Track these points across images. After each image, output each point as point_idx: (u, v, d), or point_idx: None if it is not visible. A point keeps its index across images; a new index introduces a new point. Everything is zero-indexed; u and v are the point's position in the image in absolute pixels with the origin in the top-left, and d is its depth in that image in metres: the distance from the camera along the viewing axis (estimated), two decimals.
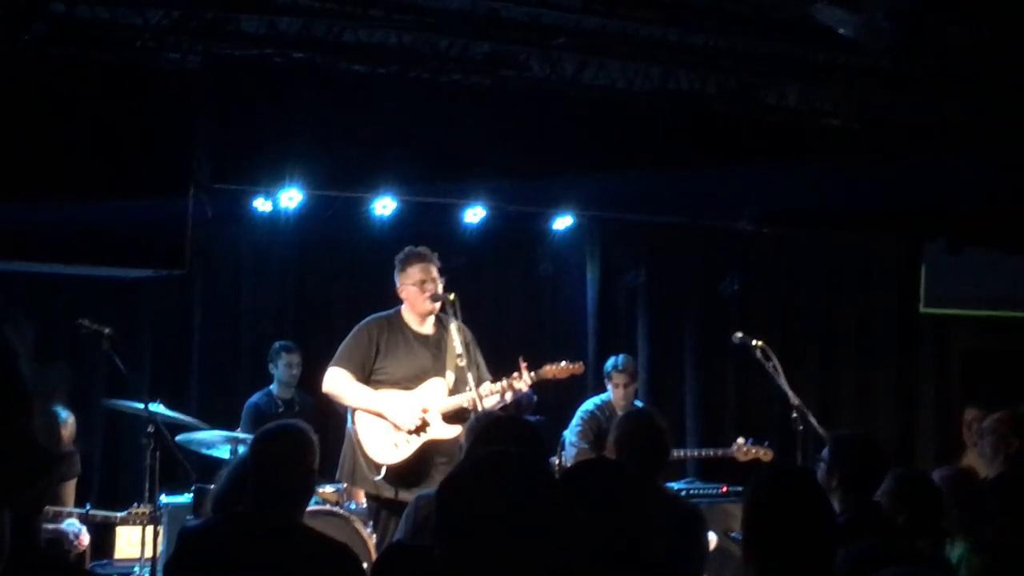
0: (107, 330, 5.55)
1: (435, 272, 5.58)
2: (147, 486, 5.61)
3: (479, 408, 5.19)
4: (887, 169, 7.29)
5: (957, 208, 7.70)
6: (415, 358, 5.55)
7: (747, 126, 7.29)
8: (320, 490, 6.19)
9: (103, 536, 6.33)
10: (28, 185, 5.69)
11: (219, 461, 5.99)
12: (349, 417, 5.58)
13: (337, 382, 5.52)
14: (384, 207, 7.07)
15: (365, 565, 4.01)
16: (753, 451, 6.89)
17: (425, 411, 5.44)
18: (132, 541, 6.18)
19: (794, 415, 5.95)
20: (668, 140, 7.13)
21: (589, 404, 7.04)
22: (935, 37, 6.47)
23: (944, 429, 8.87)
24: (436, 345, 5.60)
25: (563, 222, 7.83)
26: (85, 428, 6.30)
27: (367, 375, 5.51)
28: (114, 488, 7.09)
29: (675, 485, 6.82)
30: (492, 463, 2.34)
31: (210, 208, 6.56)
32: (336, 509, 6.05)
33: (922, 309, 8.95)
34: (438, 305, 5.58)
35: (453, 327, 5.45)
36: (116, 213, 5.79)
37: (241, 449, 5.81)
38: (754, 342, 6.12)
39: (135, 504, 5.69)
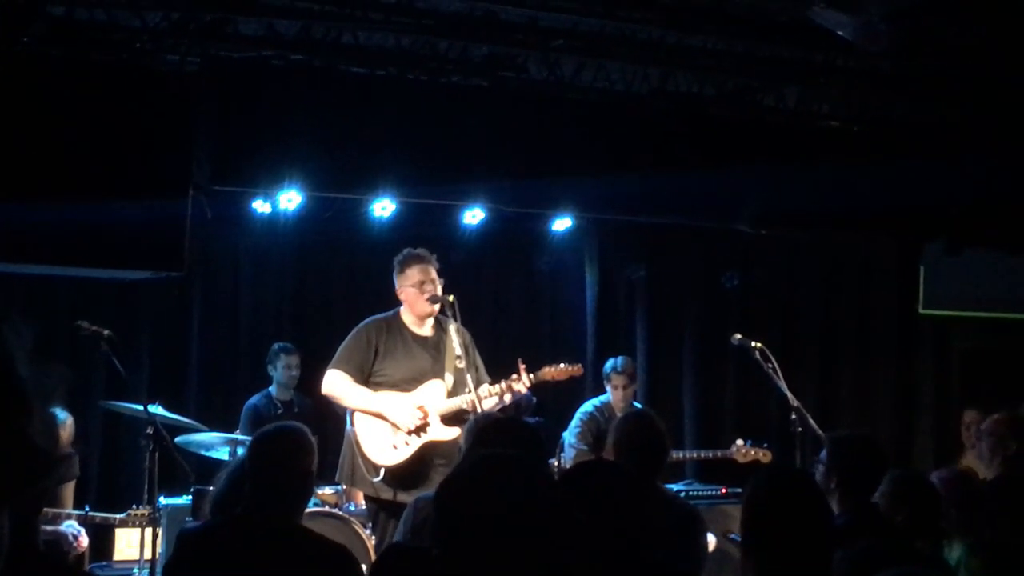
0: (106, 332, 5.55)
1: (434, 274, 5.58)
2: (146, 488, 5.61)
3: (478, 410, 5.19)
4: (886, 170, 7.28)
5: (956, 209, 7.70)
6: (414, 360, 5.55)
7: (746, 127, 7.28)
8: (319, 492, 6.20)
9: (102, 538, 6.33)
10: (27, 187, 5.67)
11: (218, 463, 5.99)
12: (348, 419, 5.58)
13: (336, 384, 5.52)
14: (383, 209, 7.06)
15: (364, 567, 4.01)
16: (752, 452, 6.89)
17: (424, 413, 5.45)
18: (131, 543, 6.18)
19: (793, 417, 5.96)
20: (667, 142, 7.12)
21: (588, 406, 7.04)
22: (934, 38, 6.47)
23: (943, 430, 8.87)
24: (435, 347, 5.60)
25: (562, 223, 7.82)
26: (84, 430, 6.32)
27: (366, 377, 5.51)
28: (113, 490, 7.09)
29: (674, 486, 6.82)
30: (491, 464, 2.34)
31: (209, 210, 6.55)
32: (335, 511, 6.06)
33: (921, 310, 8.94)
34: (437, 307, 5.58)
35: (452, 329, 5.45)
36: (115, 215, 5.78)
37: (240, 451, 5.80)
38: (753, 344, 6.14)
39: (134, 506, 5.70)
